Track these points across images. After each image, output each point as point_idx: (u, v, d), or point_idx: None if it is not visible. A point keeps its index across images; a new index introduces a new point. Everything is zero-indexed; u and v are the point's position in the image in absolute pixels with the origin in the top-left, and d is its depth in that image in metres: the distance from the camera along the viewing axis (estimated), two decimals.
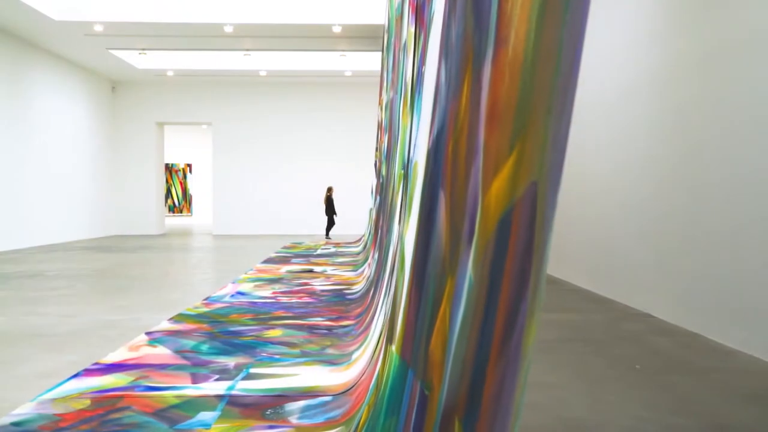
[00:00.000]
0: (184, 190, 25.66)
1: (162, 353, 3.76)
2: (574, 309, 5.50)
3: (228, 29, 11.23)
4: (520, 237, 1.09)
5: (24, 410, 2.72)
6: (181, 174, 25.57)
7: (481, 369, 1.15)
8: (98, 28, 11.15)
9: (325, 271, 8.20)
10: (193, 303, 5.62)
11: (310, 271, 8.17)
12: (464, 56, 1.51)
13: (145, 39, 12.19)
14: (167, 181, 24.98)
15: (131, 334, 4.36)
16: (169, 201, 25.33)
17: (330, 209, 14.88)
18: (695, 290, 4.50)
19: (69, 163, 14.13)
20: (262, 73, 15.46)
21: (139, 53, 13.34)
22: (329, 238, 14.70)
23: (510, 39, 1.16)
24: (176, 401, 2.85)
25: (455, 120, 1.56)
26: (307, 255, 10.43)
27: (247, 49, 13.03)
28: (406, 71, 3.88)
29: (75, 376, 3.25)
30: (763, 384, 3.30)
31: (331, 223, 14.95)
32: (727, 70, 4.18)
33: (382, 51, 9.60)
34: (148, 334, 4.29)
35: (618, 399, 3.02)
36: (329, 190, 15.03)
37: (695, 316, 4.48)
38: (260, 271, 8.09)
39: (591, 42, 6.75)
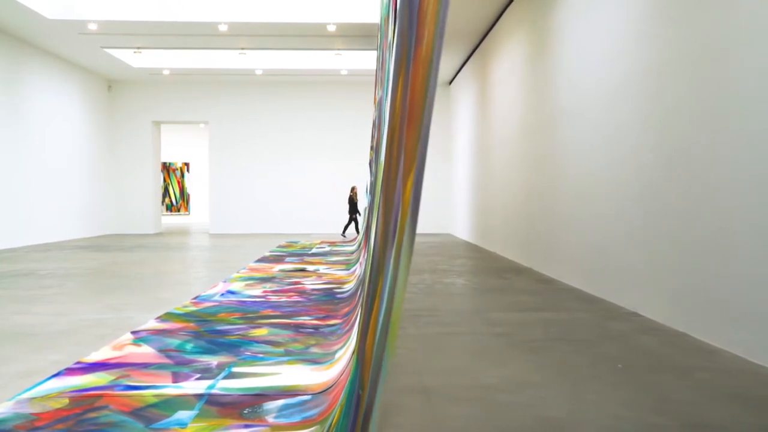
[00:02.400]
0: (182, 189, 25.65)
1: (145, 352, 3.76)
2: (562, 308, 5.50)
3: (222, 28, 11.23)
4: (409, 235, 1.12)
5: (1, 409, 2.71)
6: (178, 173, 25.55)
7: (384, 366, 1.17)
8: (92, 27, 11.14)
9: (318, 270, 8.19)
10: (184, 302, 5.61)
11: (303, 270, 8.17)
12: (400, 54, 1.50)
13: (139, 38, 12.18)
14: (165, 180, 24.96)
15: (120, 333, 4.36)
16: (167, 200, 25.32)
17: (353, 209, 15.00)
18: (683, 289, 4.49)
19: (65, 162, 14.13)
20: (258, 72, 15.45)
21: (134, 52, 13.32)
22: (345, 237, 14.87)
23: (424, 37, 1.16)
24: (155, 400, 2.85)
25: (392, 119, 1.56)
26: (302, 254, 10.43)
27: (243, 48, 13.02)
28: (389, 69, 3.88)
29: (56, 375, 3.25)
30: (745, 383, 3.29)
31: (352, 222, 15.06)
32: (717, 70, 4.17)
33: (377, 49, 9.60)
34: (133, 333, 4.29)
35: (598, 398, 3.01)
36: (352, 189, 15.11)
37: (682, 316, 4.47)
38: (252, 270, 8.09)
39: (582, 42, 6.74)
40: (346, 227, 15.18)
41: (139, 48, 12.96)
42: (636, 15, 5.41)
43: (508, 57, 10.12)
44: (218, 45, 12.81)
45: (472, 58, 13.61)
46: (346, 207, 15.59)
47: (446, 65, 14.85)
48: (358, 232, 15.10)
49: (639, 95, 5.29)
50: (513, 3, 9.88)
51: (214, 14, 10.92)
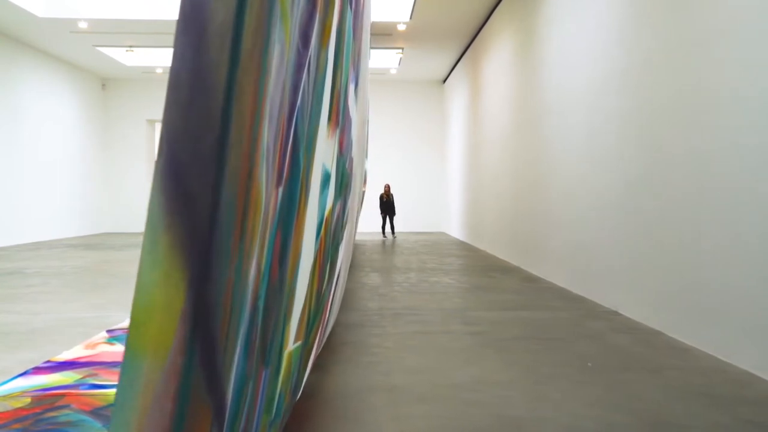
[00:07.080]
0: None
1: (118, 351, 3.76)
2: (544, 307, 5.49)
3: None
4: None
5: None
6: None
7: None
8: (83, 25, 11.13)
9: None
10: None
11: None
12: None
13: (130, 36, 12.17)
14: None
15: (100, 332, 4.35)
16: None
17: (384, 207, 14.45)
18: (660, 289, 4.49)
19: (59, 161, 14.12)
20: None
21: (126, 50, 13.31)
22: (386, 237, 14.48)
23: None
24: None
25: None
26: None
27: None
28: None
29: (23, 374, 3.24)
30: (714, 381, 3.29)
31: (386, 222, 14.61)
32: (700, 70, 4.16)
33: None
34: (109, 331, 4.28)
35: (563, 397, 3.01)
36: (385, 187, 14.50)
37: (659, 314, 4.47)
38: None
39: (566, 41, 6.73)
40: (384, 228, 14.68)
41: (131, 46, 12.95)
42: (615, 14, 5.40)
43: (498, 56, 10.11)
44: None
45: (464, 57, 13.60)
46: (376, 205, 14.84)
47: (440, 63, 14.83)
48: (383, 232, 14.74)
49: (621, 95, 5.28)
50: (502, 2, 9.86)
51: None
